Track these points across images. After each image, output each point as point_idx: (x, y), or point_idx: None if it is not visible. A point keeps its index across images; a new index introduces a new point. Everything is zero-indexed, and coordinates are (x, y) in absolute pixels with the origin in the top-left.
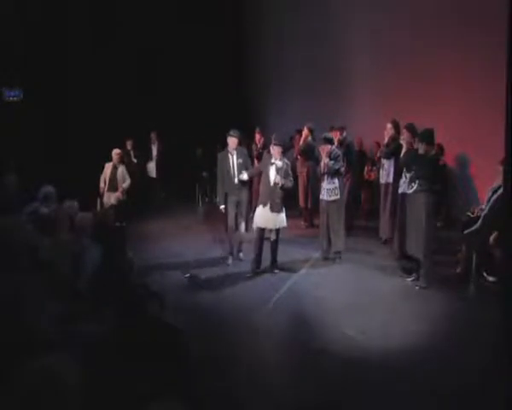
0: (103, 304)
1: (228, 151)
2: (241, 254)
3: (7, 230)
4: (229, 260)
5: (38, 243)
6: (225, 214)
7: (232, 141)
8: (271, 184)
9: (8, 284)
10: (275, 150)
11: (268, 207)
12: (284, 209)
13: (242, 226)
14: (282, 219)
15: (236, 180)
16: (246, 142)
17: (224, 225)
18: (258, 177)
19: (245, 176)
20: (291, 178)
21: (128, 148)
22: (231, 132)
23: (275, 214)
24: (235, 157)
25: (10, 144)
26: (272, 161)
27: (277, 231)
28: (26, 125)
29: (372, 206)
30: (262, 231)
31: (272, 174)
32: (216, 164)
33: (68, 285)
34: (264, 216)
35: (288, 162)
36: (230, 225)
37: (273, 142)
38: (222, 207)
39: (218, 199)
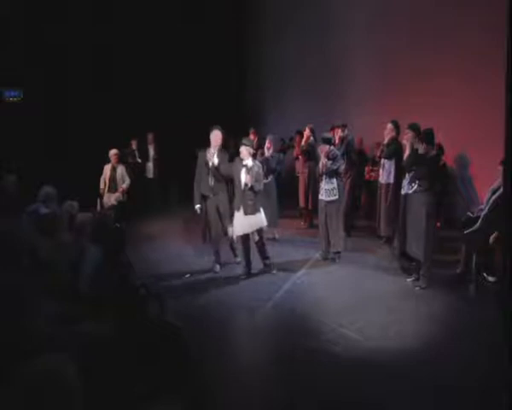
0: (103, 304)
1: (208, 150)
2: (238, 259)
3: (7, 230)
4: (217, 268)
5: (38, 243)
6: (202, 218)
7: (215, 135)
8: (242, 186)
9: (8, 284)
10: (242, 151)
11: (241, 211)
12: (261, 209)
13: (230, 230)
14: (259, 219)
15: (211, 182)
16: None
17: (201, 230)
18: None
19: (215, 160)
20: (261, 182)
21: (133, 147)
22: (215, 126)
23: (250, 217)
24: (214, 157)
25: (10, 145)
26: (244, 163)
27: (259, 231)
28: (26, 125)
29: (372, 206)
30: (244, 236)
31: (243, 176)
32: None
33: (68, 286)
34: (239, 222)
35: (260, 165)
36: (215, 233)
37: (242, 142)
38: (197, 206)
39: (194, 200)
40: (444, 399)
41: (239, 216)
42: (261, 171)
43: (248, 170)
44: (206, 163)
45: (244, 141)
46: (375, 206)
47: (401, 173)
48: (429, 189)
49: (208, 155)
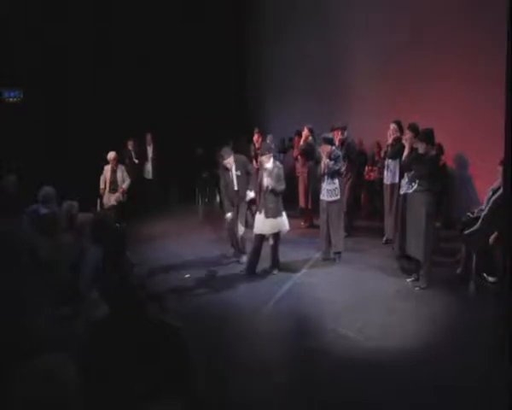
0: (103, 305)
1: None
2: (242, 259)
3: (7, 230)
4: (242, 259)
5: (38, 243)
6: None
7: (227, 161)
8: (264, 189)
9: (9, 284)
10: (263, 160)
11: (263, 213)
12: (283, 213)
13: (240, 228)
14: (280, 223)
15: (236, 188)
16: (245, 142)
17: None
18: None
19: (251, 194)
20: (282, 182)
21: (129, 148)
22: (224, 153)
23: (271, 220)
24: (233, 170)
25: (10, 145)
26: (264, 166)
27: (276, 235)
28: (26, 125)
29: (372, 206)
30: (260, 236)
31: (264, 179)
32: (216, 165)
33: (68, 286)
34: (260, 222)
35: (280, 166)
36: (229, 228)
37: (260, 152)
38: (228, 215)
39: (225, 209)
40: (444, 399)
41: (260, 218)
42: (281, 171)
43: (269, 173)
44: (229, 176)
45: (262, 151)
46: (376, 206)
47: (403, 173)
48: (429, 189)
49: (228, 167)
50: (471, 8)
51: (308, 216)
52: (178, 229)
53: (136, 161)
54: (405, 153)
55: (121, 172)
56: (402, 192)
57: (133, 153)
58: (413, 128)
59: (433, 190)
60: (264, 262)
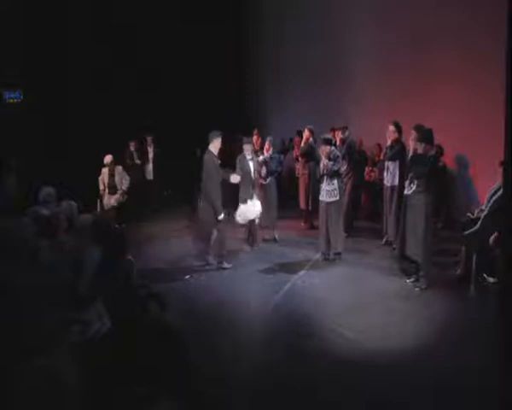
0: (104, 306)
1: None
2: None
3: (7, 231)
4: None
5: (39, 244)
6: None
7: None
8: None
9: (9, 285)
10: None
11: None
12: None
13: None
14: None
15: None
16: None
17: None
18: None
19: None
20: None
21: (131, 149)
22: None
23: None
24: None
25: (10, 145)
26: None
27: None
28: (26, 125)
29: (372, 207)
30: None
31: (252, 169)
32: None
33: (69, 287)
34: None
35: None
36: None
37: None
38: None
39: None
40: (444, 399)
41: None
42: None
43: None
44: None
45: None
46: (377, 207)
47: (405, 175)
48: (427, 189)
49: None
50: (471, 8)
51: (308, 217)
52: (179, 230)
53: (139, 162)
54: (410, 153)
55: (119, 175)
56: (404, 193)
57: (135, 154)
58: (417, 129)
59: (432, 191)
60: (265, 262)
